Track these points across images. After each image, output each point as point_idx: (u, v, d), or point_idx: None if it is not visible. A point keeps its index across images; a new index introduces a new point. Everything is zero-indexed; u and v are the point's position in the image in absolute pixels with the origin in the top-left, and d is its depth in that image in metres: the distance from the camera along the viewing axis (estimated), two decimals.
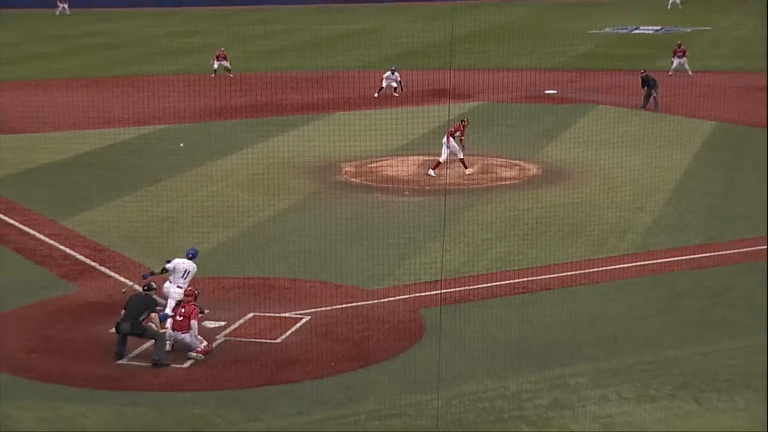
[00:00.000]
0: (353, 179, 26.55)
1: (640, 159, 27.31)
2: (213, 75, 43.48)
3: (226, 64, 43.91)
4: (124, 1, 78.91)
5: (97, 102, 36.10)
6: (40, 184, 25.75)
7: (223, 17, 72.55)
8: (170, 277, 16.37)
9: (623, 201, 23.74)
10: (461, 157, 26.59)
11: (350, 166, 27.78)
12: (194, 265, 16.51)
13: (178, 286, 16.27)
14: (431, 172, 26.18)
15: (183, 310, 15.38)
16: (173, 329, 15.30)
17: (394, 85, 38.74)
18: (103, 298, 17.46)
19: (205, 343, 15.32)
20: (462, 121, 27.19)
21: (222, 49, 44.97)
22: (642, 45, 54.55)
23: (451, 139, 26.31)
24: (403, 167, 27.44)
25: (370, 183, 26.13)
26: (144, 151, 29.59)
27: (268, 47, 54.65)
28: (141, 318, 15.04)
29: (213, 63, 44.01)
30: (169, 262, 16.54)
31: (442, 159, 26.25)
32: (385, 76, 38.72)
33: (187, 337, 15.25)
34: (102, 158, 28.70)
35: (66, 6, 73.10)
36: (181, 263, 16.42)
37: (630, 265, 19.33)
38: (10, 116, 33.37)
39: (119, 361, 14.93)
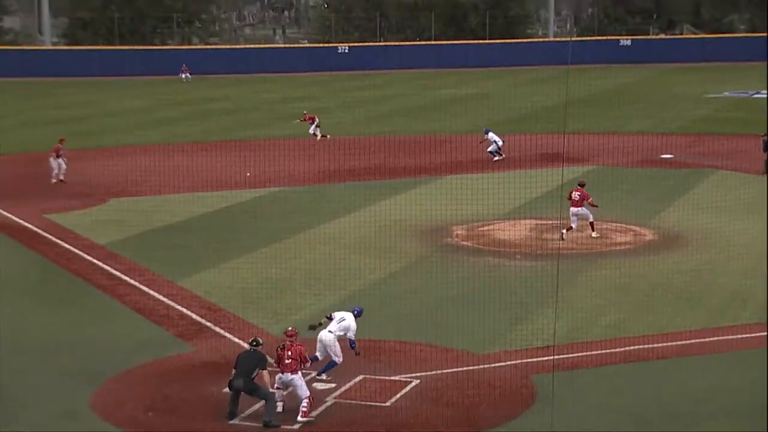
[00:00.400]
0: (464, 242, 26.60)
1: (762, 226, 26.54)
2: (317, 138, 44.54)
3: (312, 128, 44.80)
4: (242, 67, 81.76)
5: (214, 165, 37.29)
6: (159, 245, 26.65)
7: (338, 82, 74.34)
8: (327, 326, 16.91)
9: (744, 269, 23.08)
10: (591, 220, 26.45)
11: (461, 229, 27.86)
12: (353, 319, 16.92)
13: (329, 331, 16.68)
14: (564, 233, 26.05)
15: (290, 353, 15.45)
16: (282, 372, 15.43)
17: (494, 148, 38.78)
18: (218, 358, 17.84)
19: (308, 393, 15.44)
20: (580, 184, 26.88)
21: (305, 113, 46.21)
22: (763, 109, 53.31)
23: (580, 207, 26.27)
24: (514, 231, 27.36)
25: (481, 246, 26.12)
26: (258, 213, 30.34)
27: (379, 111, 55.64)
28: (253, 375, 15.28)
29: (311, 128, 45.01)
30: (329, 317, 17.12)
31: (574, 226, 26.19)
32: (487, 139, 38.96)
33: (296, 378, 15.28)
34: (217, 220, 29.54)
35: (188, 74, 76.00)
36: (341, 312, 17.04)
37: (752, 335, 18.73)
38: (134, 179, 34.75)
39: (231, 421, 15.18)
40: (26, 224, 28.93)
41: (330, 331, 16.78)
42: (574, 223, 26.35)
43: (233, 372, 15.42)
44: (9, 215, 30.09)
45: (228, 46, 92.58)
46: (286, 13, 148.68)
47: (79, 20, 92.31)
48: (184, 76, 76.08)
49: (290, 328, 16.05)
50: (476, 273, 23.13)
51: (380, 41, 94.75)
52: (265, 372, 15.37)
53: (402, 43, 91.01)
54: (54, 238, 27.19)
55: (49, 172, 35.19)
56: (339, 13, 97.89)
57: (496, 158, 38.78)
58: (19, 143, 43.87)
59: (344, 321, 16.94)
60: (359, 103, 57.99)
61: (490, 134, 39.23)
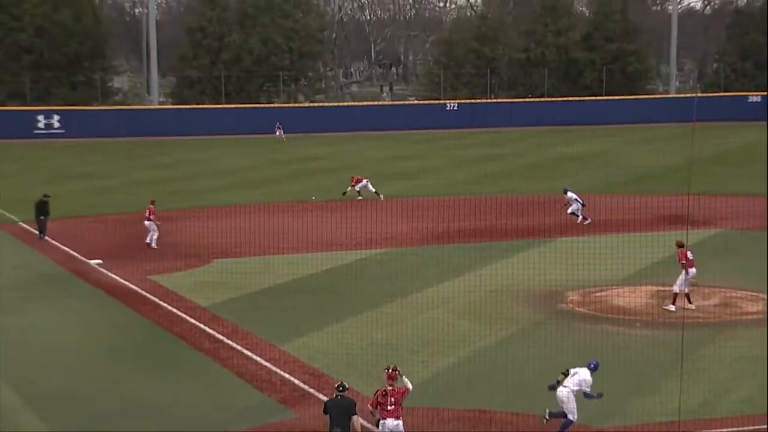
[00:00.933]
0: (579, 308, 26.17)
1: None
2: (380, 198, 44.91)
3: (359, 187, 45.44)
4: (348, 125, 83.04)
5: (317, 225, 37.83)
6: (262, 307, 27.04)
7: (446, 139, 74.75)
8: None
9: None
10: (687, 290, 25.55)
11: (575, 294, 27.44)
12: (588, 372, 17.23)
13: (564, 386, 17.04)
14: (671, 307, 25.35)
15: (392, 399, 15.37)
16: (385, 418, 15.32)
17: (575, 208, 38.18)
18: (320, 426, 17.88)
19: None
20: (680, 245, 26.00)
21: (352, 177, 46.52)
22: None
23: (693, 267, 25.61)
24: (633, 297, 26.80)
25: (597, 313, 25.65)
26: (362, 275, 30.54)
27: (489, 169, 55.60)
28: (348, 423, 15.23)
29: (353, 186, 45.67)
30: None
31: (676, 289, 25.51)
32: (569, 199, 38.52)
33: (400, 425, 15.26)
34: (321, 282, 29.83)
35: (282, 132, 77.64)
36: (576, 368, 17.42)
37: None
38: (237, 240, 35.46)
39: None
40: (130, 285, 29.77)
41: (564, 386, 17.08)
42: (675, 287, 25.36)
43: (328, 422, 15.39)
44: (114, 276, 31.04)
45: (333, 104, 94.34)
46: (393, 69, 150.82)
47: (186, 79, 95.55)
48: (278, 133, 77.85)
49: (390, 369, 15.95)
50: (592, 341, 22.68)
51: (490, 98, 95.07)
52: (356, 418, 15.28)
53: (513, 100, 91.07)
54: (157, 300, 27.88)
55: (145, 234, 35.90)
56: (448, 69, 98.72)
57: (583, 220, 37.98)
58: (125, 203, 45.36)
59: (577, 375, 17.23)
60: (468, 162, 58.13)
61: (569, 194, 38.68)
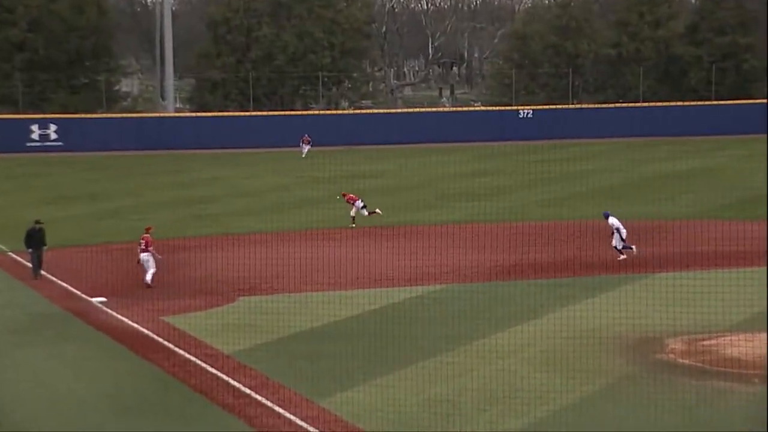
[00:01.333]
0: (682, 360, 25.96)
1: None
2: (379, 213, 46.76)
3: (354, 211, 46.50)
4: (400, 136, 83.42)
5: (363, 257, 37.94)
6: (297, 355, 27.15)
7: (516, 154, 74.55)
8: None
9: None
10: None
11: (677, 342, 27.24)
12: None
13: None
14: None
15: None
16: None
17: (618, 240, 37.95)
18: None
19: None
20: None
21: (345, 194, 47.53)
22: None
23: None
24: (749, 346, 26.52)
25: (705, 365, 25.43)
26: (416, 316, 30.56)
27: (572, 190, 55.48)
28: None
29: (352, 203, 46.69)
30: None
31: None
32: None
33: None
34: (366, 325, 29.88)
35: (308, 146, 76.46)
36: None
37: None
38: (268, 273, 35.71)
39: None
40: (140, 328, 30.08)
41: None
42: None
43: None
44: (121, 317, 31.39)
45: (383, 111, 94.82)
46: (455, 69, 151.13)
47: (207, 81, 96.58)
48: (303, 148, 76.59)
49: None
50: (698, 401, 22.48)
51: (573, 103, 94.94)
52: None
53: (601, 106, 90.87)
54: (172, 346, 28.14)
55: (142, 272, 35.77)
56: (521, 68, 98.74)
57: (622, 256, 37.77)
58: (134, 230, 45.90)
59: None
60: (545, 181, 58.02)
61: (611, 219, 38.20)
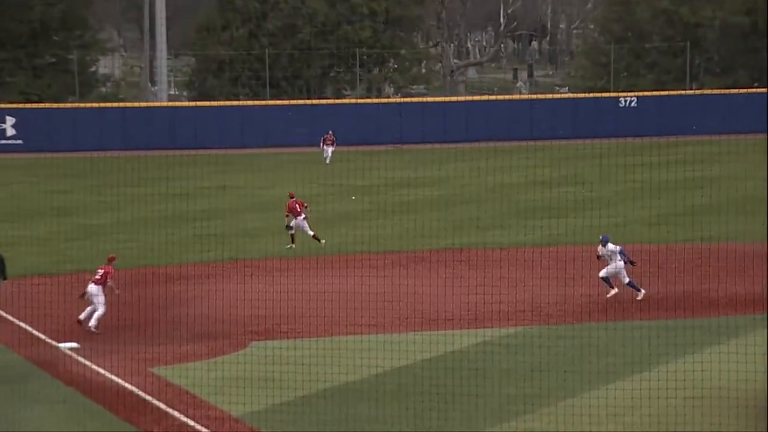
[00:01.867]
0: None
1: None
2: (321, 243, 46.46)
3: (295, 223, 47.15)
4: (462, 131, 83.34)
5: (412, 289, 37.91)
6: (326, 419, 27.16)
7: (615, 155, 73.98)
8: None
9: None
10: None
11: None
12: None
13: None
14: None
15: None
16: None
17: (610, 270, 37.92)
18: None
19: None
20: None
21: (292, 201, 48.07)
22: None
23: None
24: None
25: None
26: (482, 369, 30.52)
27: (690, 203, 55.04)
28: None
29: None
30: None
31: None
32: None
33: None
34: (417, 379, 29.89)
35: (332, 147, 76.13)
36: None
37: None
38: (288, 311, 35.79)
39: None
40: (123, 383, 30.20)
41: None
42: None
43: None
44: (98, 369, 31.54)
45: (439, 99, 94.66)
46: (534, 44, 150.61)
47: (211, 61, 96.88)
48: (325, 150, 76.16)
49: None
50: None
51: (691, 88, 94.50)
52: None
53: (729, 91, 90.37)
54: (164, 406, 28.25)
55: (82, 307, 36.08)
56: (622, 43, 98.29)
57: (612, 291, 37.83)
58: (119, 253, 46.17)
59: None
60: (653, 190, 57.70)
61: (610, 246, 37.88)
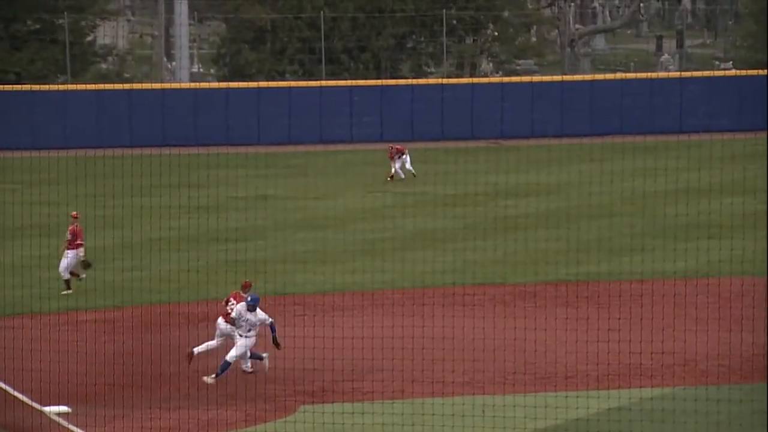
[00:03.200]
0: None
1: None
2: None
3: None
4: (573, 122, 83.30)
5: (518, 334, 37.94)
6: None
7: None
8: None
9: None
10: None
11: None
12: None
13: None
14: None
15: None
16: None
17: None
18: None
19: None
20: None
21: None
22: None
23: None
24: None
25: None
26: None
27: None
28: None
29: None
30: None
31: None
32: None
33: None
34: None
35: (405, 162, 73.69)
36: None
37: None
38: (349, 364, 35.96)
39: None
40: None
41: None
42: None
43: None
44: None
45: (553, 78, 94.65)
46: (686, 3, 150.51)
47: (247, 29, 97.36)
48: (397, 164, 73.73)
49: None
50: None
51: None
52: None
53: None
54: None
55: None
56: None
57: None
58: (125, 286, 46.56)
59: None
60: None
61: (260, 313, 37.24)
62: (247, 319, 35.76)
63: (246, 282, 38.07)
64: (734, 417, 32.60)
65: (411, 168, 72.49)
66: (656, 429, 31.82)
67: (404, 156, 72.75)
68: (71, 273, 47.64)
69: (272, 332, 36.19)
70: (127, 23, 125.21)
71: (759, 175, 67.32)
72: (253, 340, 36.09)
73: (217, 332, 37.34)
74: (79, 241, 47.42)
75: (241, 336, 35.72)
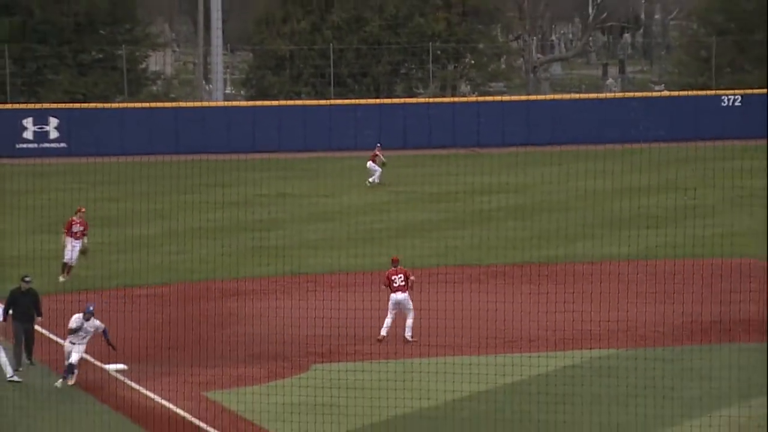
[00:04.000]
0: None
1: None
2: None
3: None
4: (544, 133, 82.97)
5: (491, 306, 37.77)
6: None
7: (720, 159, 73.53)
8: None
9: None
10: None
11: None
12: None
13: None
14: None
15: None
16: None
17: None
18: None
19: None
20: None
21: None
22: None
23: None
24: None
25: None
26: (570, 395, 30.41)
27: None
28: None
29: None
30: None
31: None
32: None
33: None
34: (498, 406, 29.74)
35: (378, 161, 72.04)
36: None
37: None
38: (355, 331, 35.76)
39: None
40: (175, 408, 30.30)
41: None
42: None
43: None
44: (147, 392, 31.66)
45: (520, 98, 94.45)
46: (626, 37, 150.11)
47: (270, 57, 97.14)
48: (377, 170, 72.20)
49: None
50: None
51: None
52: None
53: None
54: None
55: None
56: (724, 35, 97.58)
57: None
58: (168, 267, 46.45)
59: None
60: (763, 198, 57.23)
61: (95, 320, 35.52)
62: (85, 328, 33.37)
63: (395, 257, 38.39)
64: (667, 373, 32.42)
65: (375, 177, 71.42)
66: (603, 383, 31.64)
67: (377, 160, 72.38)
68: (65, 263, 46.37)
69: (106, 337, 33.72)
70: (172, 53, 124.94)
71: (688, 176, 67.35)
72: (84, 347, 33.75)
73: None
74: (84, 231, 46.66)
75: (74, 344, 33.37)
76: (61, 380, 32.99)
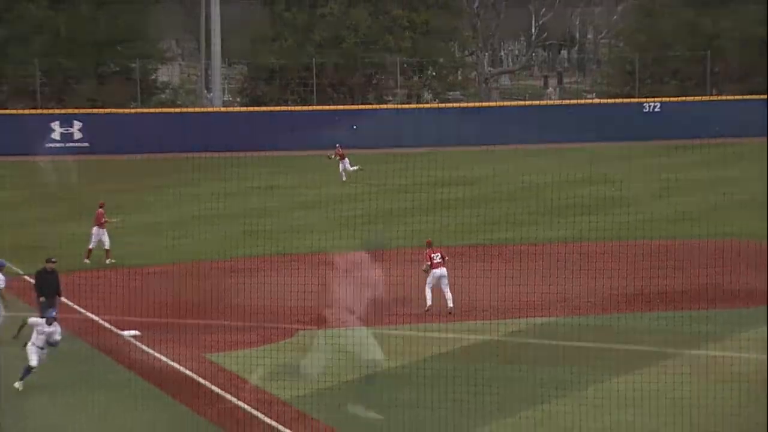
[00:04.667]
0: None
1: None
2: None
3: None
4: (494, 135, 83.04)
5: (450, 282, 37.72)
6: (371, 403, 27.05)
7: (641, 157, 73.75)
8: None
9: None
10: None
11: None
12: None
13: None
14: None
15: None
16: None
17: None
18: None
19: None
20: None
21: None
22: None
23: None
24: None
25: None
26: (516, 356, 30.46)
27: (712, 202, 54.76)
28: None
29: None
30: None
31: None
32: None
33: None
34: (455, 366, 29.76)
35: (342, 161, 71.13)
36: None
37: None
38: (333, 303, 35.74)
39: None
40: (179, 368, 30.22)
41: None
42: None
43: None
44: (157, 354, 31.58)
45: (474, 105, 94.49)
46: (564, 53, 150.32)
47: (262, 69, 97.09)
48: (340, 167, 71.15)
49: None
50: None
51: (711, 94, 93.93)
52: None
53: (747, 97, 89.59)
54: (218, 390, 28.23)
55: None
56: (647, 52, 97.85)
57: None
58: (175, 248, 46.27)
59: None
60: (678, 190, 57.40)
61: None
62: None
63: (429, 240, 38.78)
64: (598, 338, 32.51)
65: (352, 168, 71.47)
66: (544, 345, 31.75)
67: (345, 160, 72.20)
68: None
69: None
70: (178, 66, 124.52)
71: (615, 171, 67.55)
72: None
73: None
74: (104, 221, 46.21)
75: None
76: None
